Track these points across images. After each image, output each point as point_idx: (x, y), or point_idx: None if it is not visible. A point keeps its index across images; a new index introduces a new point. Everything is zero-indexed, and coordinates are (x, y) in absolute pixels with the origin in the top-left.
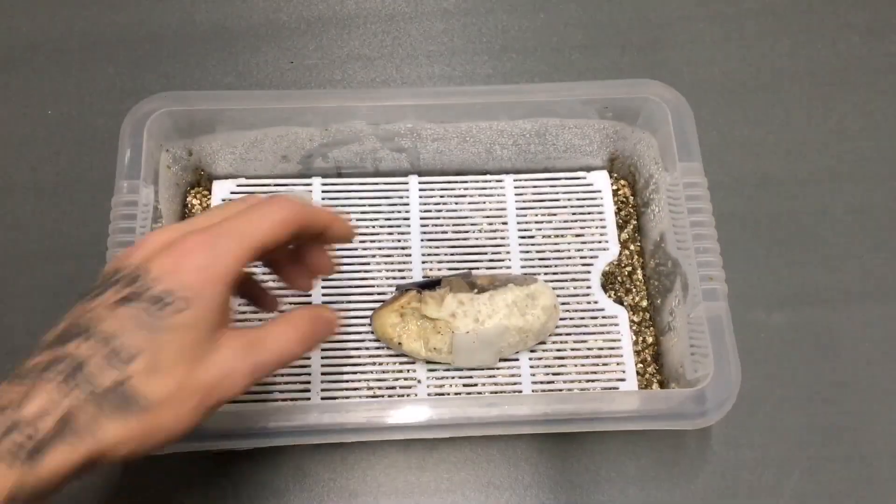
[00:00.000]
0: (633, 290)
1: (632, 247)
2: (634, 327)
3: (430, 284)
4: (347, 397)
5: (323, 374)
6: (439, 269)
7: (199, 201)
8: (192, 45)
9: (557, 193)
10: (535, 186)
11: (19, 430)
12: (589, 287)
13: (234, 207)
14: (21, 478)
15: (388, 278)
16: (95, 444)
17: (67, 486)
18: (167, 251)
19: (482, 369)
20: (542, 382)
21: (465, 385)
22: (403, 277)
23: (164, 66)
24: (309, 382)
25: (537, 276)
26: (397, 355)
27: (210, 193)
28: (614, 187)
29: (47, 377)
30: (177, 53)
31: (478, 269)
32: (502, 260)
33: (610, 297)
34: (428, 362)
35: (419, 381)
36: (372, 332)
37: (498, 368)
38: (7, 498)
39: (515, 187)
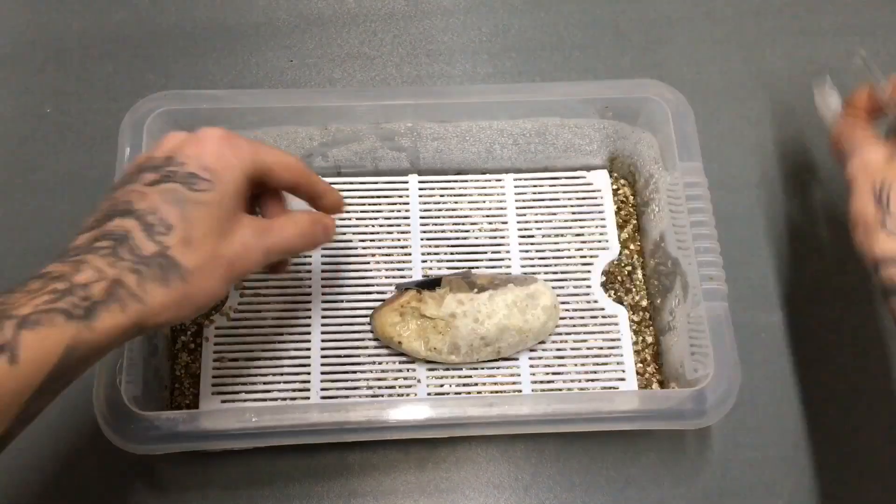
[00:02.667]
0: (633, 289)
1: (632, 246)
2: (634, 327)
3: (430, 284)
4: (347, 397)
5: (323, 373)
6: (439, 269)
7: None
8: (191, 44)
9: (557, 193)
10: (534, 186)
11: (73, 294)
12: (589, 287)
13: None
14: (78, 333)
15: (387, 277)
16: (142, 309)
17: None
18: (189, 141)
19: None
20: (542, 382)
21: (465, 385)
22: (403, 277)
23: (163, 65)
24: (309, 382)
25: (537, 275)
26: (397, 355)
27: None
28: (614, 187)
29: (94, 251)
30: (176, 52)
31: (478, 268)
32: (502, 259)
33: (610, 296)
34: (427, 362)
35: (419, 381)
36: (372, 332)
37: (498, 368)
38: (67, 348)
39: (515, 187)
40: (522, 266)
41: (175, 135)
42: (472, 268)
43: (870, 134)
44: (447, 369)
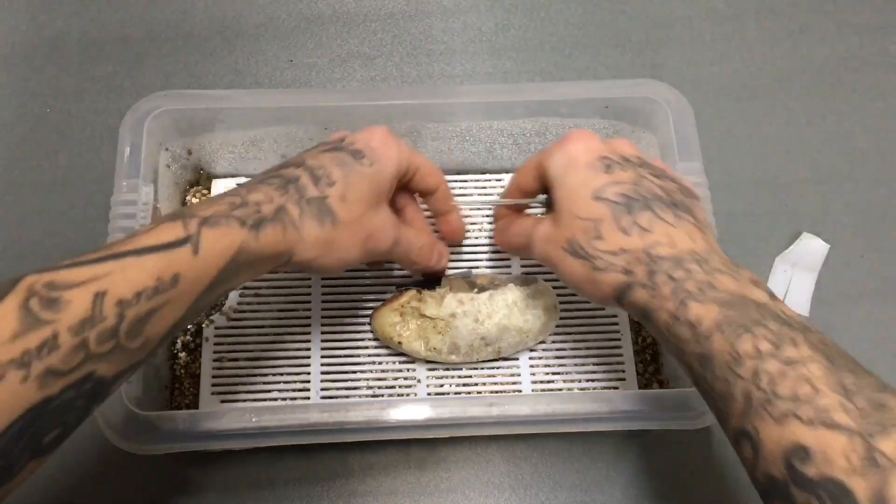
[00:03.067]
0: None
1: None
2: (634, 327)
3: (430, 283)
4: (347, 397)
5: (323, 373)
6: None
7: (198, 200)
8: (191, 44)
9: None
10: None
11: (247, 207)
12: None
13: None
14: (248, 239)
15: (387, 277)
16: (297, 238)
17: (270, 270)
18: (360, 131)
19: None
20: (542, 382)
21: (465, 385)
22: (403, 275)
23: (163, 65)
24: (309, 382)
25: (537, 275)
26: (397, 354)
27: (209, 192)
28: None
29: (267, 183)
30: (176, 52)
31: (478, 268)
32: (502, 259)
33: None
34: (427, 362)
35: (419, 381)
36: (372, 332)
37: (498, 368)
38: (238, 249)
39: None
40: (522, 266)
41: (346, 131)
42: (472, 268)
43: (520, 219)
44: (447, 369)
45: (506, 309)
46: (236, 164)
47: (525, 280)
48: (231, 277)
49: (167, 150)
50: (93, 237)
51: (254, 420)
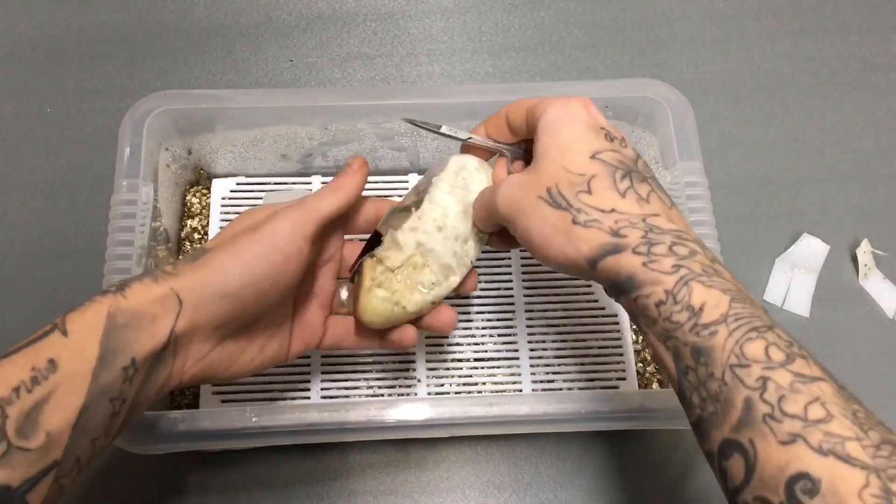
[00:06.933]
0: None
1: None
2: (634, 327)
3: (374, 242)
4: (347, 396)
5: (323, 373)
6: None
7: (198, 199)
8: (191, 44)
9: None
10: None
11: (114, 285)
12: (589, 286)
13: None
14: (115, 301)
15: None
16: (175, 280)
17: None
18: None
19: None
20: (542, 382)
21: (465, 384)
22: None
23: (163, 65)
24: (309, 381)
25: (536, 273)
26: (397, 354)
27: (209, 192)
28: None
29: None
30: (176, 52)
31: (476, 267)
32: (502, 259)
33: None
34: (429, 342)
35: (419, 380)
36: (371, 328)
37: (498, 367)
38: (109, 315)
39: None
40: (522, 266)
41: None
42: (473, 266)
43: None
44: (447, 368)
45: (451, 198)
46: (236, 164)
47: (438, 165)
48: (123, 346)
49: (167, 149)
50: (93, 237)
51: (254, 420)
